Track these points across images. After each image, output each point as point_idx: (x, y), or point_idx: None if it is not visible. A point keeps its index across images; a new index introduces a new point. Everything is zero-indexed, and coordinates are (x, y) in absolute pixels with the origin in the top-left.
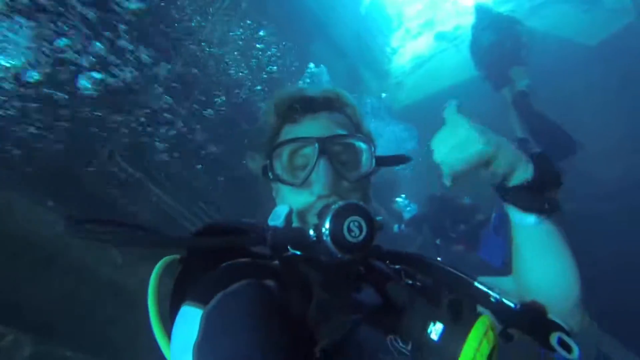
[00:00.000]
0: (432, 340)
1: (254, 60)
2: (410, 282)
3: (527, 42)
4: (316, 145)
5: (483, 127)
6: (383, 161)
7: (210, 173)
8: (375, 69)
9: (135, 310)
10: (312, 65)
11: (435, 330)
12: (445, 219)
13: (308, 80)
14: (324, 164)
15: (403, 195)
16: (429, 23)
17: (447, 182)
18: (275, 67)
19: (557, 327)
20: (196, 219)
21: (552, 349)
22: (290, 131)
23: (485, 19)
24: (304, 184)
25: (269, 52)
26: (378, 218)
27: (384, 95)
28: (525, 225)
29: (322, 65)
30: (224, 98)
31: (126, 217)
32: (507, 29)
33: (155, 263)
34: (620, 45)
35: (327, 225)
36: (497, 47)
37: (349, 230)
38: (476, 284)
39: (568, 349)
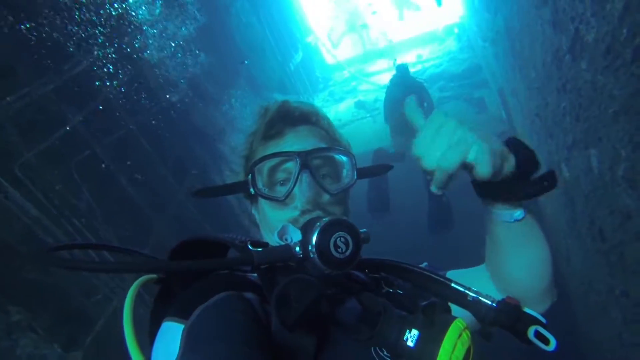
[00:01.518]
0: (409, 347)
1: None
2: (390, 290)
3: (427, 109)
4: (297, 159)
5: (468, 120)
6: (364, 172)
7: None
8: None
9: None
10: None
11: (411, 337)
12: None
13: None
14: (306, 178)
15: None
16: (352, 91)
17: (438, 189)
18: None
19: (534, 321)
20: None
21: (530, 343)
22: (270, 146)
23: (401, 77)
24: (287, 198)
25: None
26: (362, 230)
27: None
28: (513, 219)
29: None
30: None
31: None
32: (413, 89)
33: None
34: None
35: (313, 242)
36: (400, 103)
37: (336, 246)
38: (453, 285)
39: (545, 341)
